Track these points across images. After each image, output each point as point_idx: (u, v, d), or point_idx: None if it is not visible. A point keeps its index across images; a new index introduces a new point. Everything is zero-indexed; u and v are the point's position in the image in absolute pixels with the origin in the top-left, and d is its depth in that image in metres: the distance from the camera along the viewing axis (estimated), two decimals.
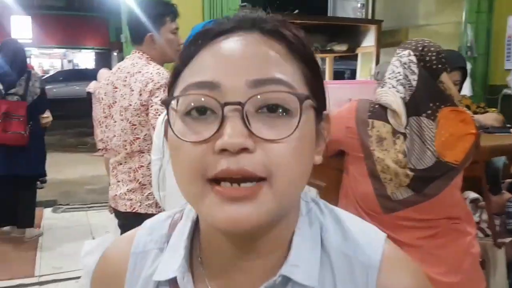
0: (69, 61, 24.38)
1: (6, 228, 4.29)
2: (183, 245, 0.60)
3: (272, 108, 0.50)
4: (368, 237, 0.59)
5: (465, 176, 1.71)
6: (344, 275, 0.56)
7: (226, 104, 0.48)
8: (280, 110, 0.50)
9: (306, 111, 0.52)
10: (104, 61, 18.14)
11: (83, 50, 22.61)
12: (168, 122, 0.53)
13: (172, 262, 0.59)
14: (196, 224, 0.62)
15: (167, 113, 0.54)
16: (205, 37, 0.54)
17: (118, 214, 2.21)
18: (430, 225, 1.64)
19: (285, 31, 0.54)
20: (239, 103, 0.48)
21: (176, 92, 0.54)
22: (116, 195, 2.13)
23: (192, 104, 0.51)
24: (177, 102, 0.52)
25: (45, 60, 22.93)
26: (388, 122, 1.61)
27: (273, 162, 0.49)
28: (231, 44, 0.53)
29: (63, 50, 23.07)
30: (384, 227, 1.62)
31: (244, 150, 0.48)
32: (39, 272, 3.60)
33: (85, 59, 23.89)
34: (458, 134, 1.60)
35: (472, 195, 2.26)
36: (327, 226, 0.59)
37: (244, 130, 0.48)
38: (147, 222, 0.67)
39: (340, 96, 2.21)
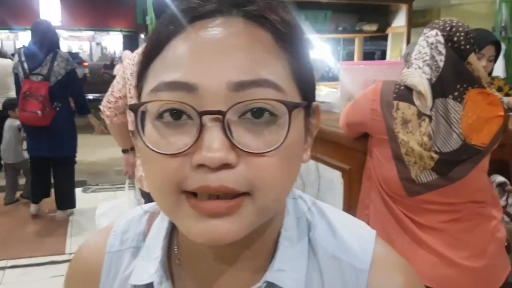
0: (98, 44, 24.69)
1: (34, 208, 4.37)
2: (160, 245, 0.56)
3: (256, 113, 0.44)
4: (358, 237, 0.56)
5: (492, 159, 1.67)
6: (333, 278, 0.53)
7: (205, 113, 0.42)
8: (266, 113, 0.44)
9: (295, 116, 0.45)
10: (131, 43, 18.27)
11: (111, 33, 22.84)
12: (136, 127, 0.47)
13: (149, 265, 0.55)
14: (173, 224, 0.57)
15: (135, 117, 0.46)
16: (179, 21, 0.46)
17: (144, 194, 2.26)
18: (454, 208, 1.62)
19: (272, 16, 0.46)
20: (220, 112, 0.42)
21: (147, 85, 0.47)
22: (142, 175, 2.18)
23: (165, 106, 0.45)
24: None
25: (74, 43, 23.24)
26: (413, 104, 1.58)
27: (257, 176, 0.44)
28: (210, 33, 0.45)
29: (91, 33, 23.34)
30: (407, 210, 1.63)
31: (225, 165, 0.42)
32: (69, 249, 3.72)
33: (113, 41, 24.17)
34: (485, 116, 1.56)
35: (499, 178, 2.21)
36: (315, 225, 0.56)
37: (226, 142, 0.42)
38: (125, 217, 0.63)
39: (367, 77, 2.17)
